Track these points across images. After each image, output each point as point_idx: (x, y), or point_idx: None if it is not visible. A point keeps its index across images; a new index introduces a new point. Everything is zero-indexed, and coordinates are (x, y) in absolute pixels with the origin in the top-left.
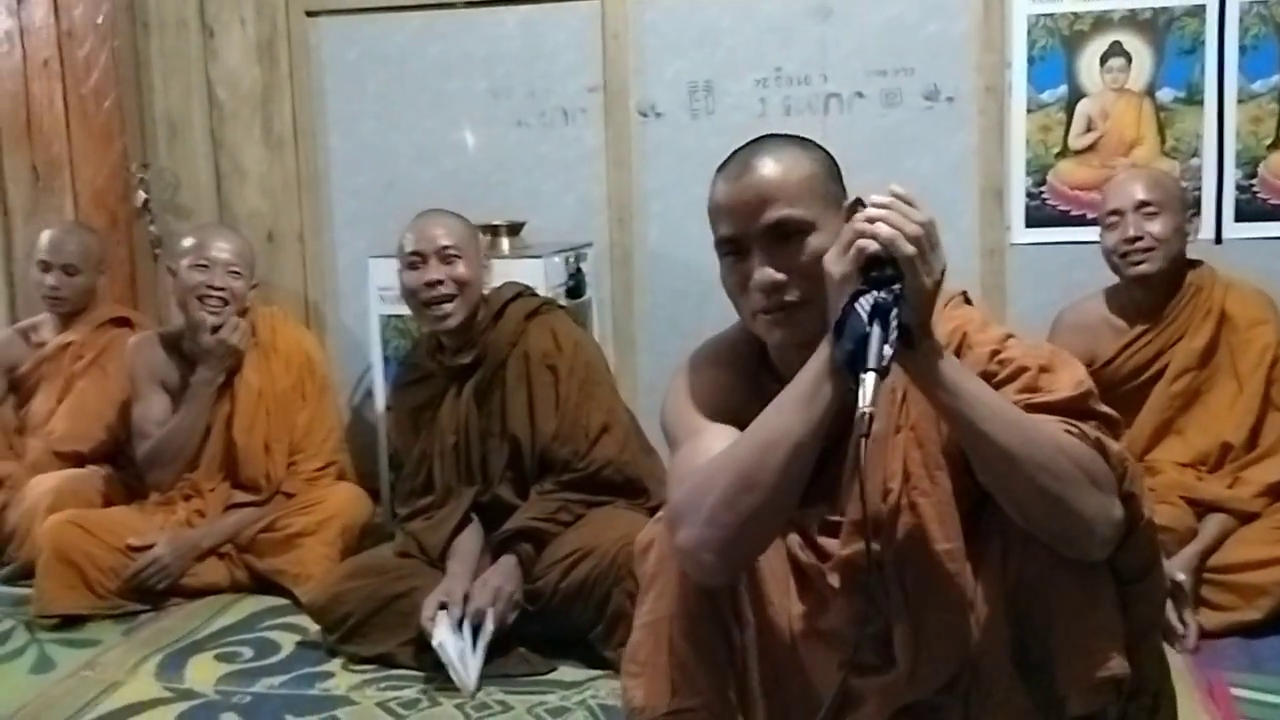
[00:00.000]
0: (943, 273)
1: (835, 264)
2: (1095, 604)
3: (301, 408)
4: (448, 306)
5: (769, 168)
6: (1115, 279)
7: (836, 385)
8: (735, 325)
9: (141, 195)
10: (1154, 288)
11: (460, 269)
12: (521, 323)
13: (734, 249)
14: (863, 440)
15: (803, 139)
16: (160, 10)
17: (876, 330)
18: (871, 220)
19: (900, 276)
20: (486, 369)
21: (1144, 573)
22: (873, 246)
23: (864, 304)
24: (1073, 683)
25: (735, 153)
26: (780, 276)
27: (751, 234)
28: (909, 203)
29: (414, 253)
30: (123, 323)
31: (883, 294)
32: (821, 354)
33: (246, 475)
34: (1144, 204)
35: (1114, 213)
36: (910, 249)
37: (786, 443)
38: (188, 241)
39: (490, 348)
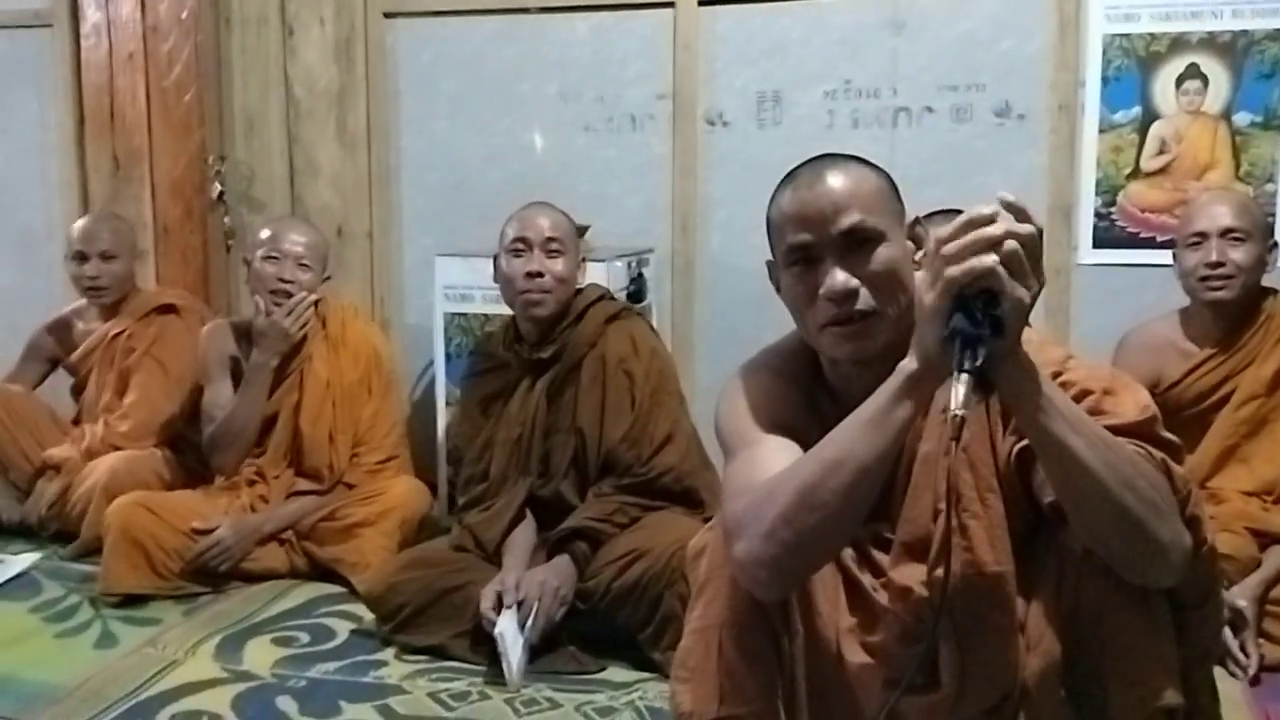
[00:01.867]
0: (1041, 286)
1: (927, 292)
2: (1152, 632)
3: (367, 401)
4: (543, 297)
5: (840, 178)
6: (1182, 302)
7: (910, 410)
8: (789, 336)
9: (217, 187)
10: (1228, 314)
11: (560, 265)
12: (602, 325)
13: (804, 256)
14: (952, 444)
15: (861, 158)
16: (243, 8)
17: (979, 333)
18: (956, 250)
19: (997, 296)
20: (563, 366)
21: (1203, 600)
22: (956, 273)
23: (975, 305)
24: (1126, 712)
25: (798, 168)
26: (854, 282)
27: (825, 241)
28: (1020, 212)
29: (519, 239)
30: (168, 309)
31: (979, 306)
32: (898, 377)
33: (310, 464)
34: (1230, 230)
35: (1198, 235)
36: (992, 262)
37: (852, 464)
38: (264, 233)
39: (569, 345)
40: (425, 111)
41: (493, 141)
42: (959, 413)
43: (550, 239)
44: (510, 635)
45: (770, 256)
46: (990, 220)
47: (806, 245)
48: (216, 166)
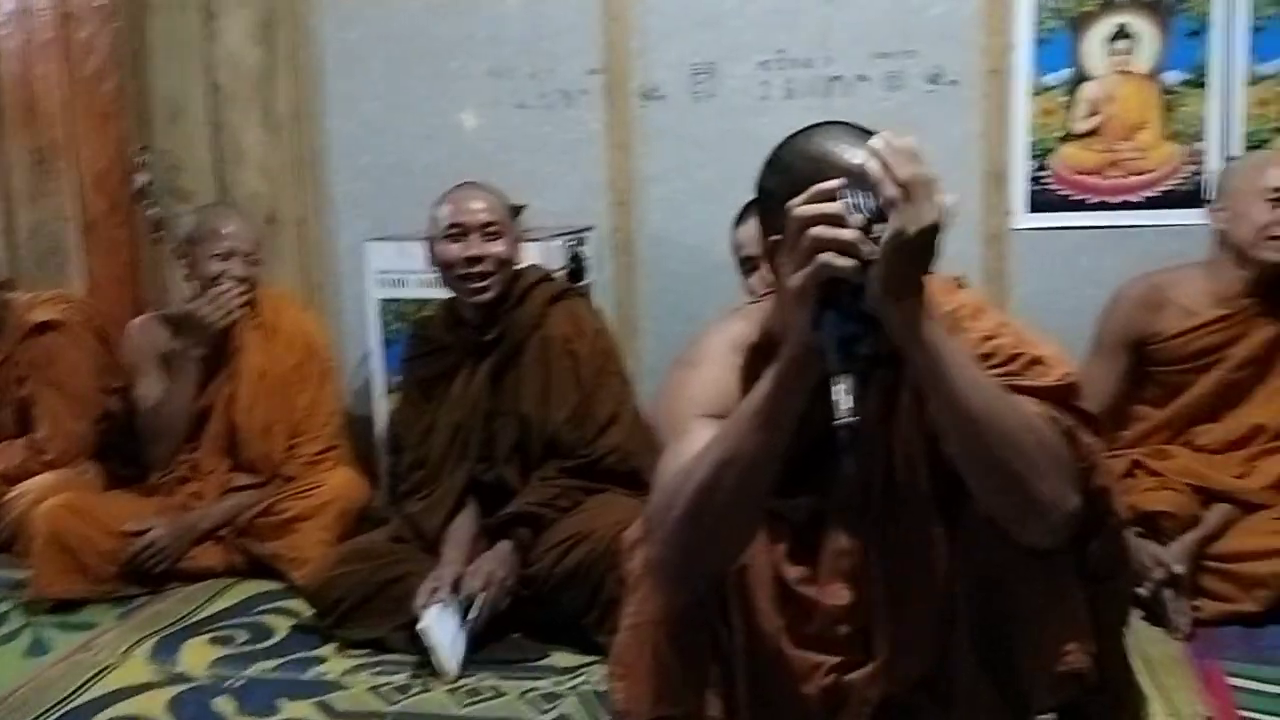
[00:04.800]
0: (934, 230)
1: (790, 275)
2: (1058, 598)
3: (303, 390)
4: (486, 282)
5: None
6: (1120, 263)
7: (795, 398)
8: (732, 314)
9: (142, 178)
10: (1271, 276)
11: (499, 246)
12: (545, 306)
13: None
14: (845, 457)
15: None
16: None
17: (853, 331)
18: (819, 220)
19: (863, 278)
20: (505, 348)
21: (1113, 571)
22: (831, 264)
23: (843, 300)
24: (1036, 675)
25: (804, 132)
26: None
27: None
28: (902, 157)
29: (455, 224)
30: (46, 328)
31: (848, 297)
32: (779, 365)
33: (247, 457)
34: None
35: (1278, 189)
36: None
37: (742, 462)
38: (201, 228)
39: (512, 327)
40: (353, 92)
41: (424, 121)
42: (843, 421)
43: (487, 222)
44: (439, 629)
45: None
46: (833, 212)
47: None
48: (141, 157)
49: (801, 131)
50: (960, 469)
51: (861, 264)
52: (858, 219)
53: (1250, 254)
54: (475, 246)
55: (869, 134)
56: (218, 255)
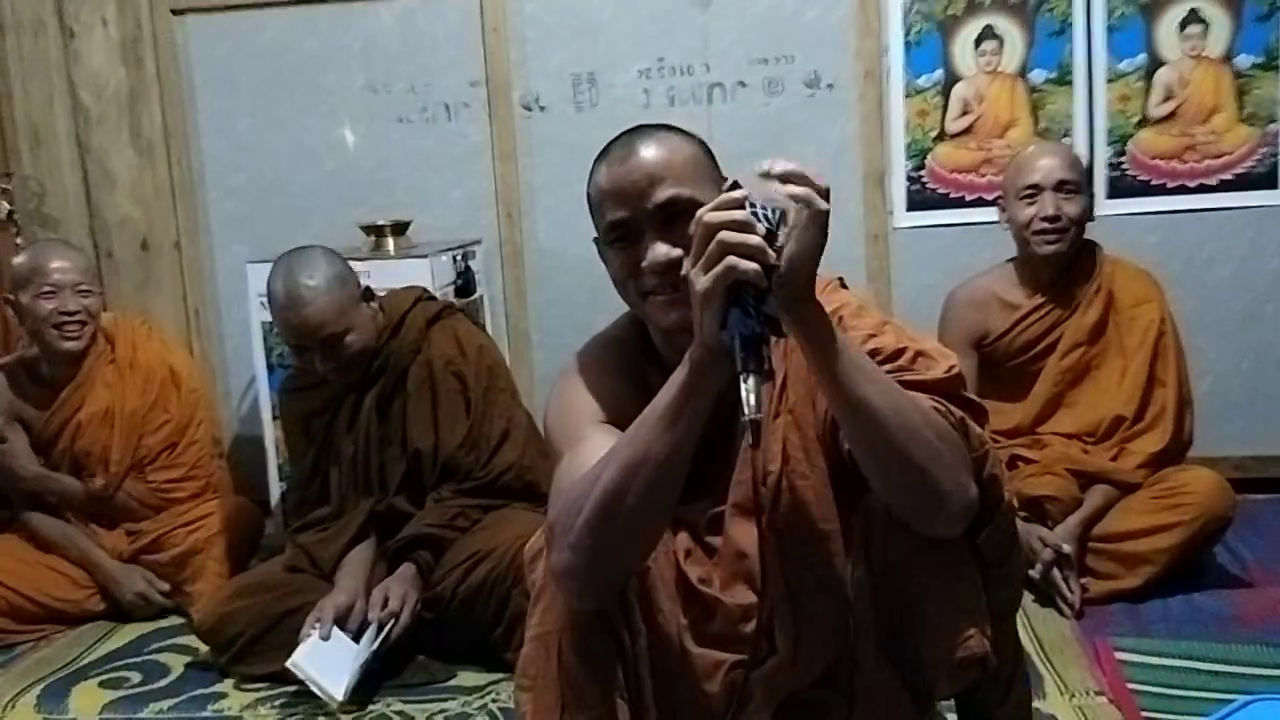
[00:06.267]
0: (824, 238)
1: (699, 278)
2: (956, 585)
3: (159, 427)
4: (348, 371)
5: (654, 150)
6: (997, 257)
7: (702, 399)
8: (615, 323)
9: (4, 206)
10: (1058, 264)
11: (354, 338)
12: (424, 329)
13: (624, 233)
14: (748, 436)
15: (674, 127)
16: (16, 11)
17: (758, 332)
18: (727, 225)
19: (767, 280)
20: (389, 377)
21: (1004, 556)
22: (738, 266)
23: (746, 302)
24: (937, 663)
25: (612, 142)
26: (676, 252)
27: (642, 216)
28: (797, 177)
29: (301, 345)
30: None
31: (751, 300)
32: (684, 369)
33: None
34: (1065, 183)
35: (1032, 188)
36: (746, 270)
37: (650, 464)
38: (23, 268)
39: (393, 356)
40: (225, 111)
41: (301, 139)
42: (752, 417)
43: (330, 335)
44: (315, 660)
45: (595, 233)
46: (741, 219)
47: (625, 221)
48: (2, 184)
49: (614, 139)
50: (862, 465)
51: (765, 268)
52: (760, 227)
53: (1024, 250)
54: (333, 359)
55: (682, 130)
56: (45, 294)
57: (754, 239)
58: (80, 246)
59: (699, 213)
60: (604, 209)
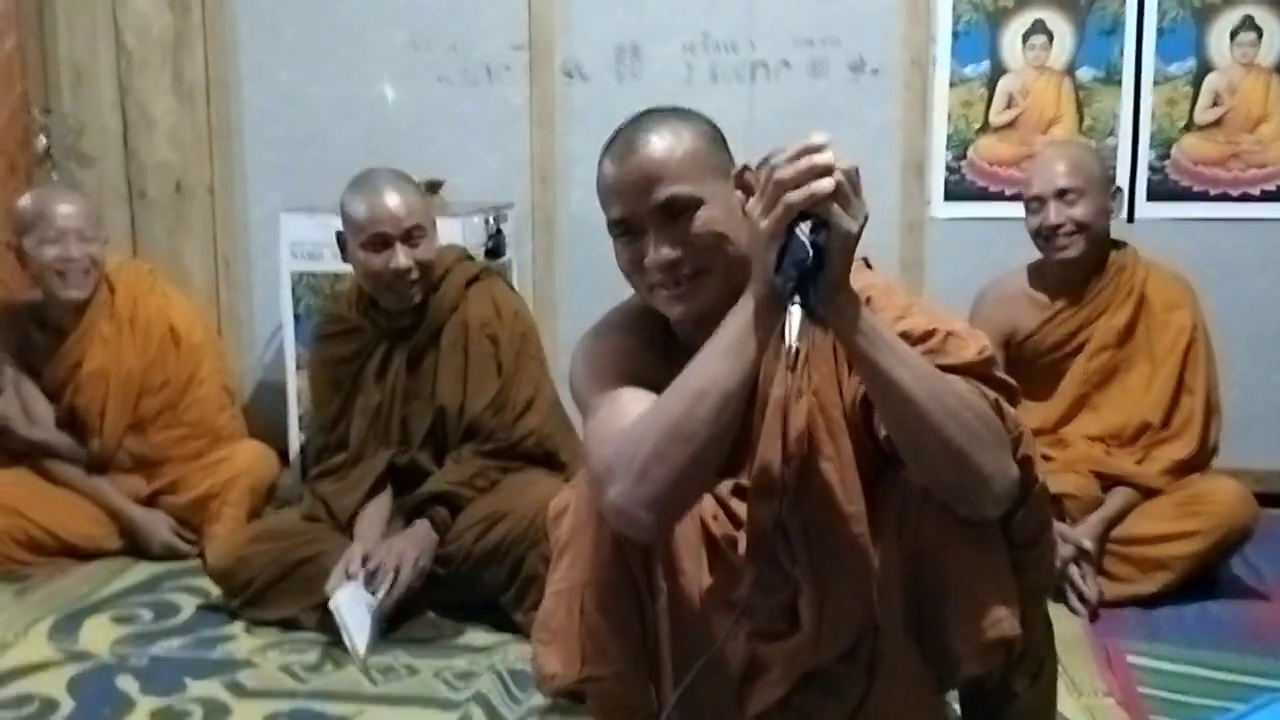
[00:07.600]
0: (865, 220)
1: (761, 219)
2: (988, 567)
3: (161, 385)
4: (413, 288)
5: (652, 147)
6: (1033, 254)
7: (763, 333)
8: (634, 296)
9: (43, 141)
10: (1078, 267)
11: (423, 248)
12: (463, 289)
13: (627, 230)
14: (790, 376)
15: (683, 110)
16: None
17: (810, 264)
18: (793, 175)
19: (824, 224)
20: (424, 332)
21: (1036, 538)
22: (797, 198)
23: (803, 231)
24: (966, 644)
25: (617, 132)
26: (675, 254)
27: (642, 214)
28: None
29: (378, 235)
30: None
31: (812, 234)
32: (747, 303)
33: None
34: (1064, 192)
35: (1035, 199)
36: (830, 185)
37: (716, 392)
38: (27, 213)
39: (430, 311)
40: (267, 61)
41: (341, 92)
42: (795, 345)
43: (410, 228)
44: (351, 608)
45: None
46: (821, 148)
47: (625, 219)
48: (42, 120)
49: (619, 129)
50: (902, 451)
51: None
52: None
53: (1042, 253)
54: (401, 256)
55: (691, 114)
56: (49, 240)
57: (827, 182)
58: (83, 193)
59: (771, 160)
60: (607, 204)
